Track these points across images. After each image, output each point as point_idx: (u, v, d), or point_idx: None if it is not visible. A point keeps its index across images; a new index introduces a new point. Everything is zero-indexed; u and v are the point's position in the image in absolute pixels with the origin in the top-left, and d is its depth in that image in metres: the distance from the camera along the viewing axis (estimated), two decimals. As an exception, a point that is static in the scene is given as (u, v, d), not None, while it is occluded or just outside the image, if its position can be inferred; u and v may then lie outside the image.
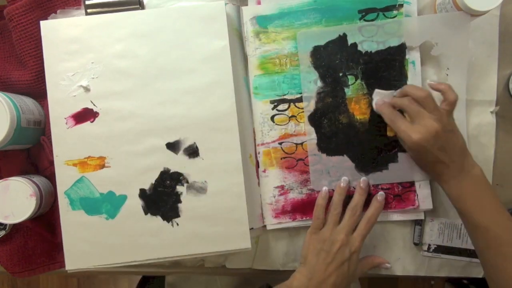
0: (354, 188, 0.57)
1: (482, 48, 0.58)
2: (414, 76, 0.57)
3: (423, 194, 0.57)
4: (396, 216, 0.58)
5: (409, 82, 0.57)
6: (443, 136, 0.49)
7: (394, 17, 0.56)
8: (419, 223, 0.59)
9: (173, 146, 0.55)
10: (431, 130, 0.48)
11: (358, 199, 0.55)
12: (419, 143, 0.49)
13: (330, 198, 0.56)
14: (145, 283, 0.87)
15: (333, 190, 0.56)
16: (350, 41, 0.57)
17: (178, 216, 0.55)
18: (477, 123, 0.58)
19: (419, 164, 0.55)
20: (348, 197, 0.56)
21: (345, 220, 0.53)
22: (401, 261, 0.60)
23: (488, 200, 0.49)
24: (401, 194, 0.57)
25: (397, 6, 0.56)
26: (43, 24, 0.55)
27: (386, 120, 0.54)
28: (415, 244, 0.59)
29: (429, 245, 0.59)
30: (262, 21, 0.57)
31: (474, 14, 0.52)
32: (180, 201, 0.55)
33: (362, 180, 0.56)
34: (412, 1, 0.57)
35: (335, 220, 0.54)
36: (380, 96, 0.56)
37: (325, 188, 0.56)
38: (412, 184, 0.57)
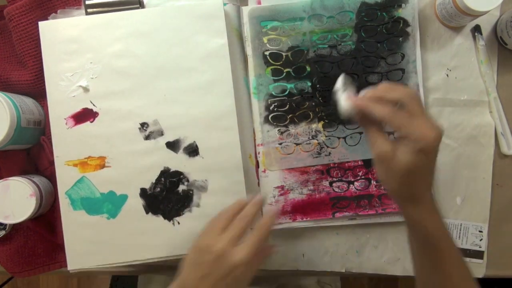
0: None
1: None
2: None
3: (423, 194, 0.57)
4: (396, 217, 0.58)
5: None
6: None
7: (394, 17, 0.56)
8: (419, 223, 0.59)
9: (172, 145, 0.55)
10: (440, 130, 0.38)
11: (249, 209, 0.46)
12: (437, 140, 0.38)
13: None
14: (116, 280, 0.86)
15: None
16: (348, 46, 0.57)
17: (179, 215, 0.55)
18: (477, 123, 0.58)
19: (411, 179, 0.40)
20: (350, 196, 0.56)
21: (230, 227, 0.44)
22: (401, 261, 0.60)
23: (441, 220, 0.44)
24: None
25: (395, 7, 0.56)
26: (41, 24, 0.55)
27: (383, 118, 0.40)
28: (415, 244, 0.59)
29: (429, 245, 0.59)
30: (262, 21, 0.57)
31: (474, 14, 0.52)
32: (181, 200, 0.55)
33: (258, 195, 0.48)
34: (412, 1, 0.57)
35: (221, 227, 0.44)
36: (342, 83, 0.45)
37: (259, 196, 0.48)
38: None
